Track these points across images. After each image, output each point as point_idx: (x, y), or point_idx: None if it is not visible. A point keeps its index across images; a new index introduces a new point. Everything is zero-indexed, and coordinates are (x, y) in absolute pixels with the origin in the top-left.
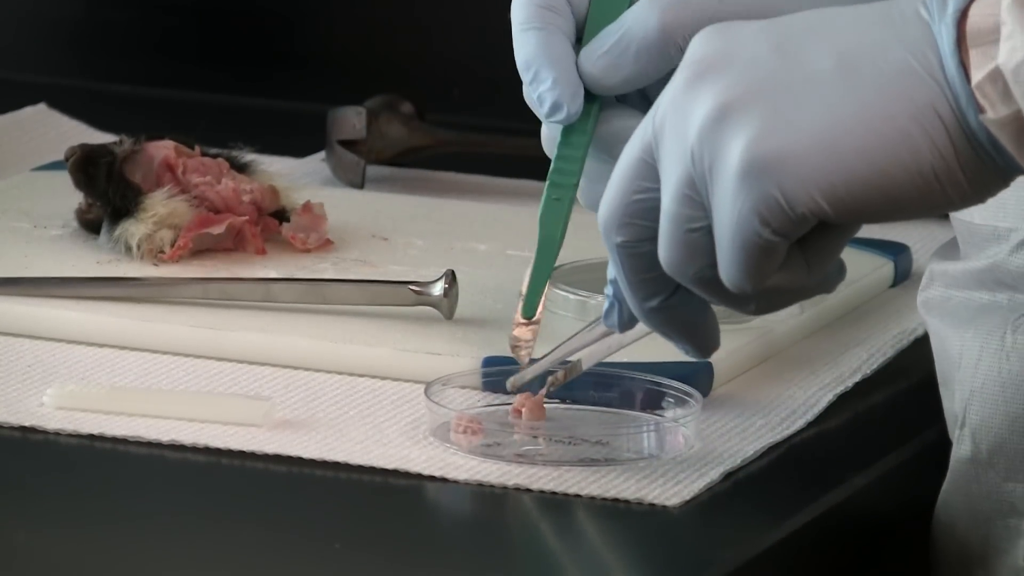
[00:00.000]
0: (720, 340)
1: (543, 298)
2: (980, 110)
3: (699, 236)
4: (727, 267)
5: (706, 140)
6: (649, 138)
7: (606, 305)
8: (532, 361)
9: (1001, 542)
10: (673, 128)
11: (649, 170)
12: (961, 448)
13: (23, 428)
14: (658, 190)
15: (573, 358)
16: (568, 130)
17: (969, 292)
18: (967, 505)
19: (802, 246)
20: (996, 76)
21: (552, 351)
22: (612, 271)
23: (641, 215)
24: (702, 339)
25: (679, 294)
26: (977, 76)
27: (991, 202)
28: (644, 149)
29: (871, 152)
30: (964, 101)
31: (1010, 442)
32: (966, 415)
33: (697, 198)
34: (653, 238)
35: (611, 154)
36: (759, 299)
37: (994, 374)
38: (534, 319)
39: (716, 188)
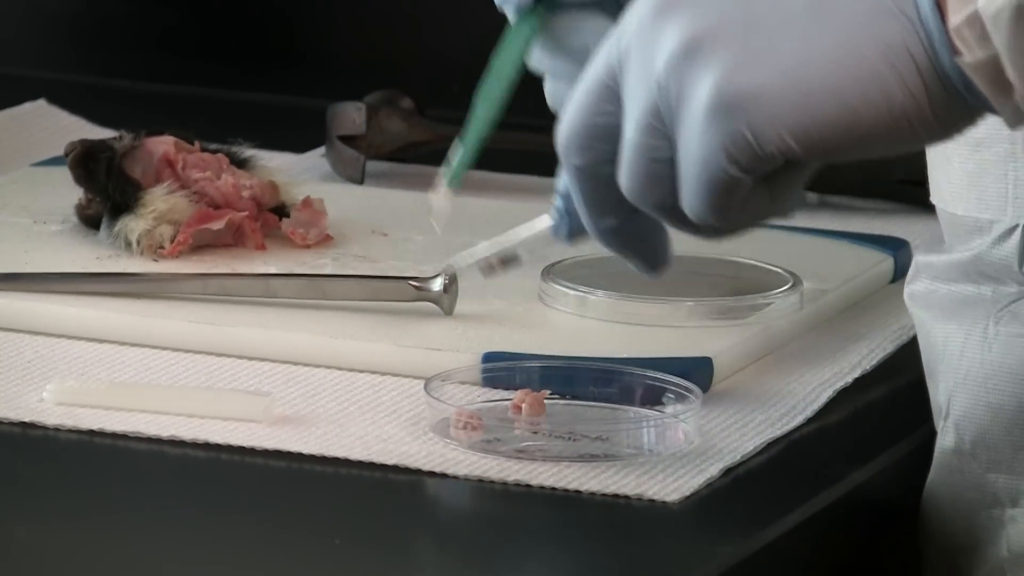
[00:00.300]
0: (672, 259)
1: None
2: (956, 52)
3: (662, 166)
4: (691, 200)
5: (674, 73)
6: (613, 63)
7: (555, 217)
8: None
9: (985, 532)
10: (639, 58)
11: (611, 94)
12: (945, 439)
13: (23, 424)
14: (619, 114)
15: (512, 249)
16: (519, 22)
17: (953, 285)
18: (951, 496)
19: (767, 180)
20: (974, 20)
21: (493, 241)
22: (564, 185)
23: (602, 138)
24: (654, 258)
25: (636, 216)
26: (955, 19)
27: (974, 194)
28: (608, 73)
29: (842, 91)
30: (937, 41)
31: (992, 433)
32: (950, 406)
33: (662, 129)
34: (612, 160)
35: (577, 60)
36: (720, 228)
37: (977, 365)
38: (454, 190)
39: (683, 122)
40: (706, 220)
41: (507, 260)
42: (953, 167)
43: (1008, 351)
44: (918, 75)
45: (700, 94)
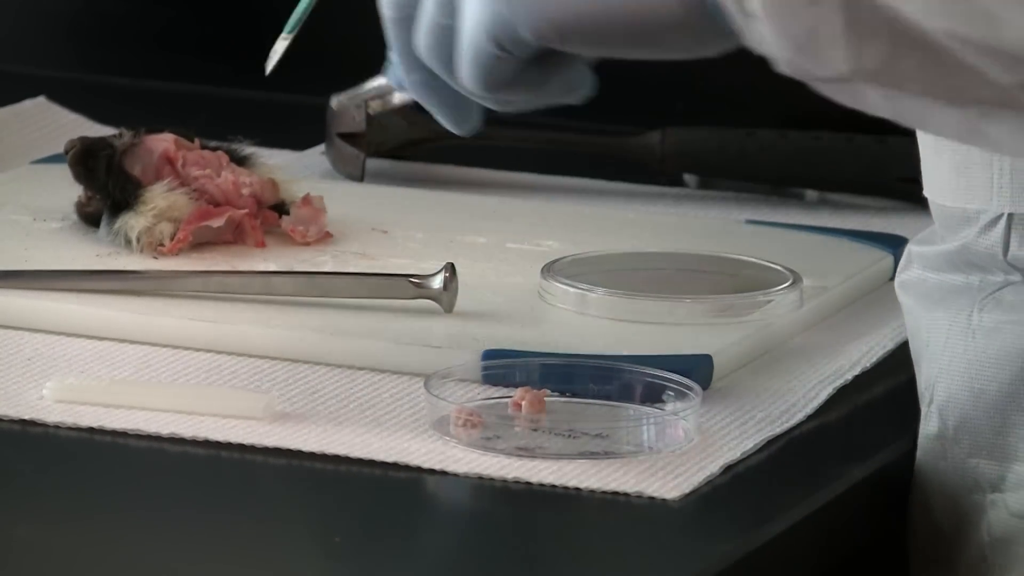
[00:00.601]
0: (480, 123)
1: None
2: None
3: (446, 32)
4: (461, 71)
5: None
6: None
7: (387, 66)
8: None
9: (968, 517)
10: None
11: None
12: (929, 425)
13: (23, 421)
14: None
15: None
16: None
17: (943, 274)
18: (936, 481)
19: (539, 63)
20: None
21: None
22: None
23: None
24: (457, 117)
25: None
26: None
27: (960, 185)
28: None
29: None
30: None
31: (974, 419)
32: (933, 392)
33: (450, 3)
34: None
35: None
36: (497, 100)
37: (960, 352)
38: (292, 33)
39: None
40: (474, 91)
41: (362, 103)
42: (942, 159)
43: (991, 338)
44: None
45: None
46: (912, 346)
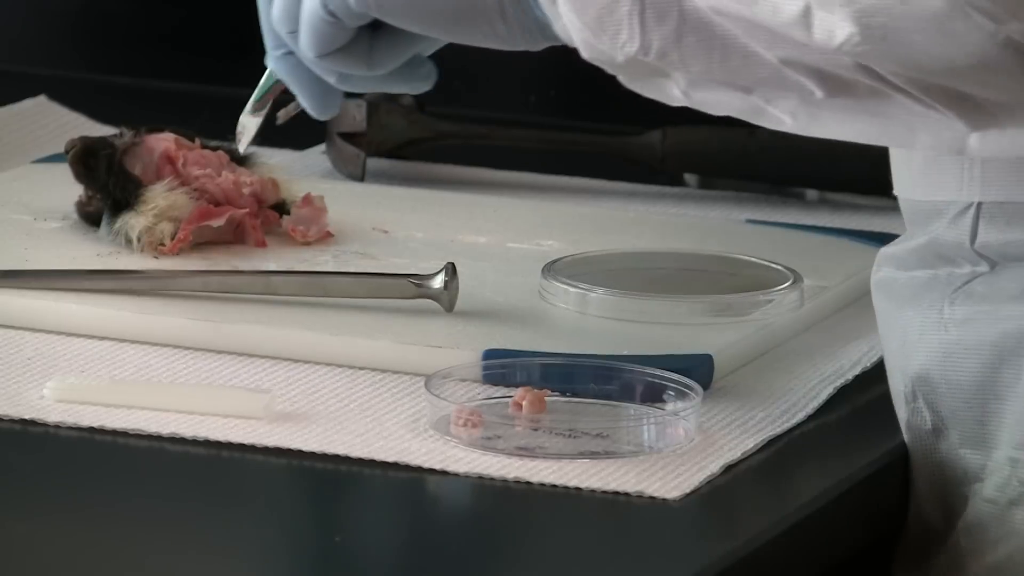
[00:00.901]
0: (338, 107)
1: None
2: None
3: (297, 3)
4: (300, 33)
5: None
6: None
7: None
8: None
9: (955, 509)
10: None
11: None
12: (922, 421)
13: (23, 421)
14: None
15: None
16: None
17: (911, 271)
18: (928, 476)
19: (372, 38)
20: None
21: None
22: None
23: None
24: (316, 99)
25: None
26: None
27: (930, 178)
28: None
29: None
30: None
31: (960, 410)
32: (916, 388)
33: None
34: None
35: None
36: (333, 72)
37: (935, 345)
38: (261, 111)
39: None
40: (306, 53)
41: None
42: (912, 153)
43: (964, 329)
44: None
45: None
46: (885, 348)
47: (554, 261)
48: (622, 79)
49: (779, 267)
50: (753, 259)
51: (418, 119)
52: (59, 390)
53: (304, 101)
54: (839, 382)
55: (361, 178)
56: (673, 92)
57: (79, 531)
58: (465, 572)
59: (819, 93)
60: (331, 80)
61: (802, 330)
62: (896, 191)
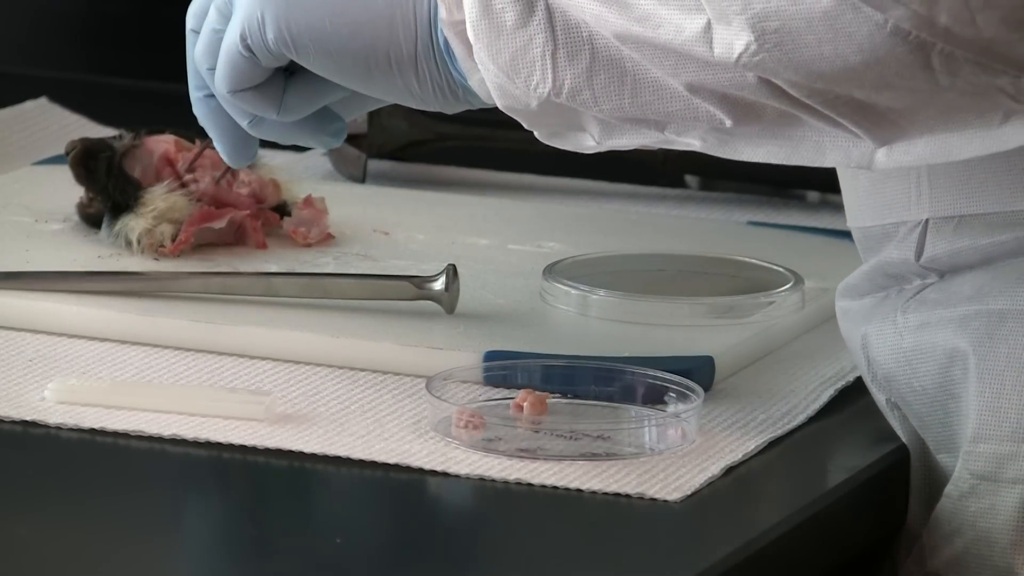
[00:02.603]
0: (253, 156)
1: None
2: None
3: (218, 40)
4: (217, 68)
5: None
6: None
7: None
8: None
9: (943, 514)
10: None
11: None
12: (902, 428)
13: (24, 422)
14: None
15: None
16: None
17: (863, 298)
18: (919, 481)
19: (288, 81)
20: None
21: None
22: None
23: (207, 12)
24: (234, 146)
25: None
26: None
27: (878, 202)
28: None
29: (343, 18)
30: (435, 5)
31: (926, 415)
32: (890, 400)
33: (227, 11)
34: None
35: None
36: (249, 117)
37: (895, 355)
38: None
39: (236, 2)
40: (219, 88)
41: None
42: (859, 180)
43: (919, 335)
44: (413, 29)
45: None
46: (858, 366)
47: (555, 263)
48: (538, 135)
49: (780, 269)
50: (754, 261)
51: (419, 121)
52: (60, 392)
53: (220, 146)
54: (840, 384)
55: (362, 180)
56: (587, 143)
57: (80, 532)
58: (466, 574)
59: (728, 122)
60: (243, 123)
61: (803, 332)
62: (848, 224)
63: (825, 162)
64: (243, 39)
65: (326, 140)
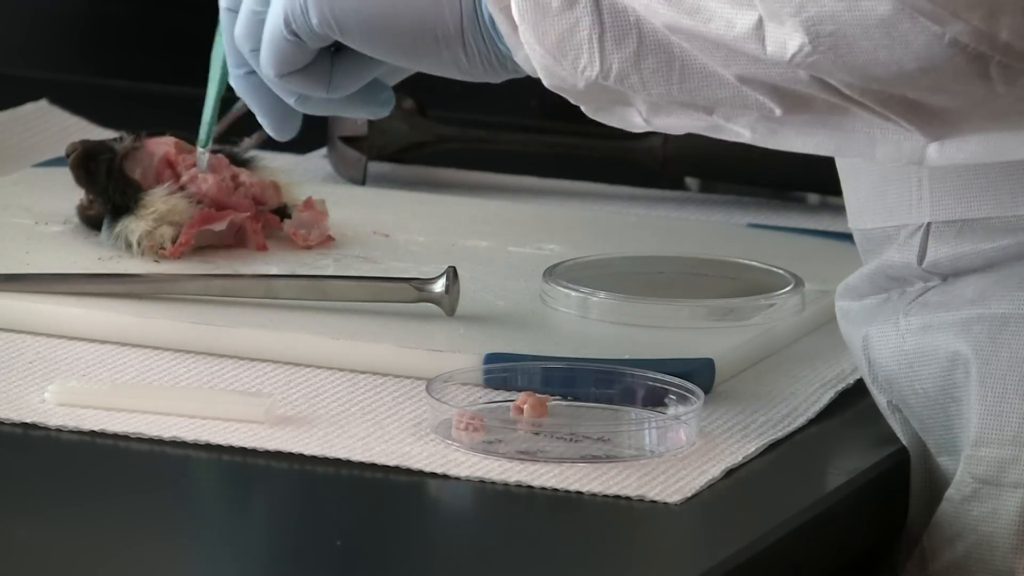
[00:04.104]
0: (297, 129)
1: (214, 129)
2: None
3: (259, 21)
4: (262, 51)
5: None
6: None
7: None
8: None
9: (944, 517)
10: None
11: None
12: (903, 431)
13: (24, 424)
14: None
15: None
16: None
17: (864, 299)
18: (920, 484)
19: (334, 61)
20: None
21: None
22: None
23: None
24: (276, 120)
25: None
26: None
27: (880, 205)
28: None
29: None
30: None
31: (927, 418)
32: (891, 402)
33: None
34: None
35: None
36: (296, 95)
37: (897, 357)
38: (207, 147)
39: None
40: (266, 71)
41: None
42: (861, 183)
43: (921, 337)
44: (458, 3)
45: None
46: (860, 368)
47: (555, 265)
48: (585, 110)
49: (781, 271)
50: (754, 263)
51: (419, 123)
52: (60, 394)
53: (263, 121)
54: (840, 386)
55: (362, 182)
56: (635, 120)
57: (80, 534)
58: None
59: (778, 111)
60: (290, 101)
61: (803, 334)
62: (850, 225)
63: (875, 155)
64: (287, 24)
65: (376, 110)
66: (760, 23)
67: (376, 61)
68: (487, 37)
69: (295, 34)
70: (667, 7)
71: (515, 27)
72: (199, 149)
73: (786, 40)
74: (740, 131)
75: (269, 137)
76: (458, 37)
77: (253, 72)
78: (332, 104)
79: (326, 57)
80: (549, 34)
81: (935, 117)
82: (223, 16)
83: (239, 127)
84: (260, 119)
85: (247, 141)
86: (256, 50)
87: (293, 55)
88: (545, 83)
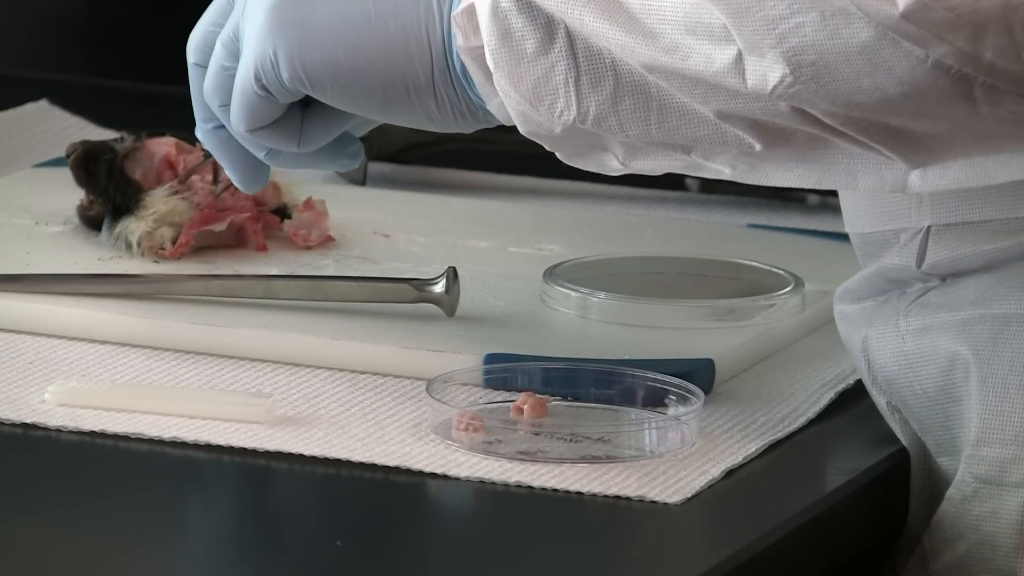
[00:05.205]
0: (266, 182)
1: None
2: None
3: (228, 77)
4: (232, 106)
5: (249, 1)
6: None
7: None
8: None
9: (945, 517)
10: None
11: (227, 10)
12: (902, 432)
13: (24, 425)
14: None
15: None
16: None
17: (863, 302)
18: (920, 485)
19: (303, 115)
20: (471, 12)
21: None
22: None
23: (210, 45)
24: (245, 173)
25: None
26: (456, 9)
27: (878, 209)
28: None
29: (357, 51)
30: (447, 26)
31: (927, 418)
32: (890, 403)
33: (234, 47)
34: None
35: None
36: (266, 150)
37: (896, 358)
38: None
39: (243, 39)
40: (236, 127)
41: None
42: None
43: (921, 338)
44: (429, 56)
45: (259, 16)
46: (858, 370)
47: (555, 265)
48: (560, 156)
49: (781, 271)
50: (755, 263)
51: None
52: (60, 394)
53: (231, 174)
54: (840, 387)
55: (362, 182)
56: (612, 163)
57: (80, 535)
58: None
59: (758, 146)
60: (260, 156)
61: (804, 335)
62: (847, 228)
63: (857, 185)
64: (257, 79)
65: (345, 163)
66: (739, 57)
67: (346, 114)
68: (458, 87)
69: (265, 89)
70: (644, 46)
71: (489, 75)
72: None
73: (767, 72)
74: (720, 168)
75: None
76: (429, 88)
77: (222, 126)
78: (302, 158)
79: (296, 111)
80: (524, 80)
81: (917, 144)
82: (191, 71)
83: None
84: (228, 172)
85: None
86: (225, 105)
87: (263, 110)
88: (521, 130)
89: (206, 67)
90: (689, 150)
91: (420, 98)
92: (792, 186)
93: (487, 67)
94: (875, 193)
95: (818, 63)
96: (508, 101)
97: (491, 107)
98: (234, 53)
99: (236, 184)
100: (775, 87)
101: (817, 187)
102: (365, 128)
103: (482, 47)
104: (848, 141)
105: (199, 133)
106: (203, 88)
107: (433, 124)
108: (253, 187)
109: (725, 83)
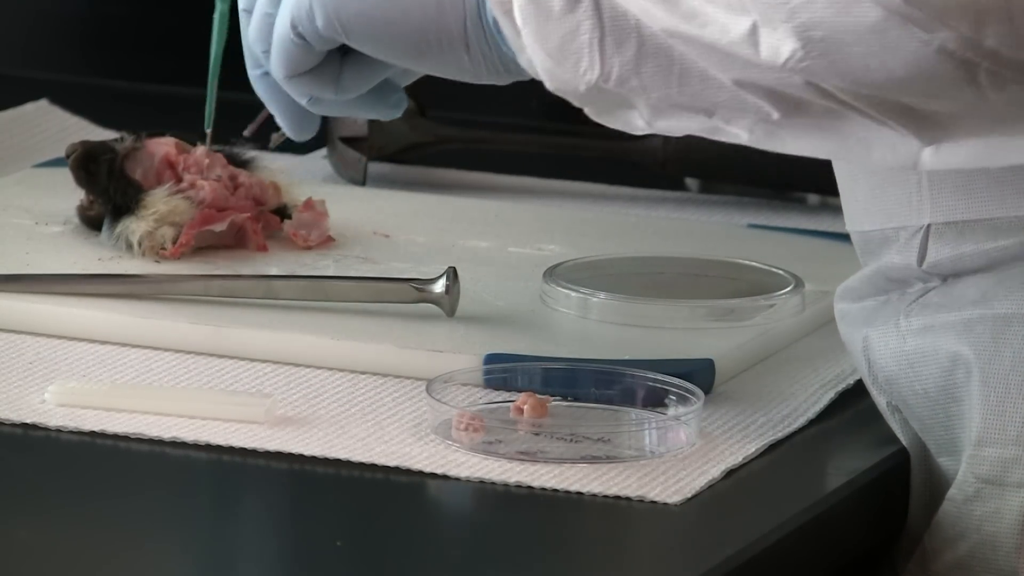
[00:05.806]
0: (314, 131)
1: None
2: None
3: (271, 23)
4: (272, 53)
5: None
6: None
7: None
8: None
9: (946, 518)
10: None
11: None
12: (902, 432)
13: (24, 425)
14: None
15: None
16: None
17: (864, 301)
18: (920, 485)
19: (343, 62)
20: None
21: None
22: None
23: None
24: (294, 121)
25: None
26: None
27: (878, 207)
28: None
29: (389, 3)
30: None
31: (927, 419)
32: (891, 403)
33: None
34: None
35: None
36: (308, 96)
37: (897, 358)
38: (210, 128)
39: None
40: (275, 73)
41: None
42: (859, 184)
43: (922, 338)
44: (461, 6)
45: None
46: (859, 370)
47: (555, 265)
48: (588, 112)
49: (781, 272)
50: (755, 264)
51: (420, 123)
52: (60, 394)
53: (281, 122)
54: (840, 387)
55: (363, 182)
56: (637, 122)
57: (80, 535)
58: None
59: (776, 114)
60: (303, 102)
61: (803, 335)
62: (848, 227)
63: (871, 158)
64: (294, 27)
65: (387, 112)
66: (754, 28)
67: (384, 63)
68: (491, 40)
69: (302, 36)
70: (664, 12)
71: (518, 30)
72: (206, 131)
73: (779, 45)
74: (739, 133)
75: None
76: (461, 40)
77: (268, 73)
78: (344, 106)
79: (335, 59)
80: (551, 37)
81: (929, 121)
82: (241, 17)
83: (271, 123)
84: (278, 119)
85: (275, 136)
86: (268, 51)
87: (301, 57)
88: (547, 86)
89: (249, 13)
90: (711, 114)
91: (453, 50)
92: (808, 155)
93: (516, 23)
94: (885, 172)
95: (828, 39)
96: (535, 57)
97: (521, 61)
98: (276, 0)
99: (286, 131)
100: (787, 60)
101: (832, 158)
102: (407, 78)
103: (512, 2)
104: (862, 115)
105: (251, 80)
106: (248, 34)
107: (466, 75)
108: (301, 135)
109: (740, 53)
